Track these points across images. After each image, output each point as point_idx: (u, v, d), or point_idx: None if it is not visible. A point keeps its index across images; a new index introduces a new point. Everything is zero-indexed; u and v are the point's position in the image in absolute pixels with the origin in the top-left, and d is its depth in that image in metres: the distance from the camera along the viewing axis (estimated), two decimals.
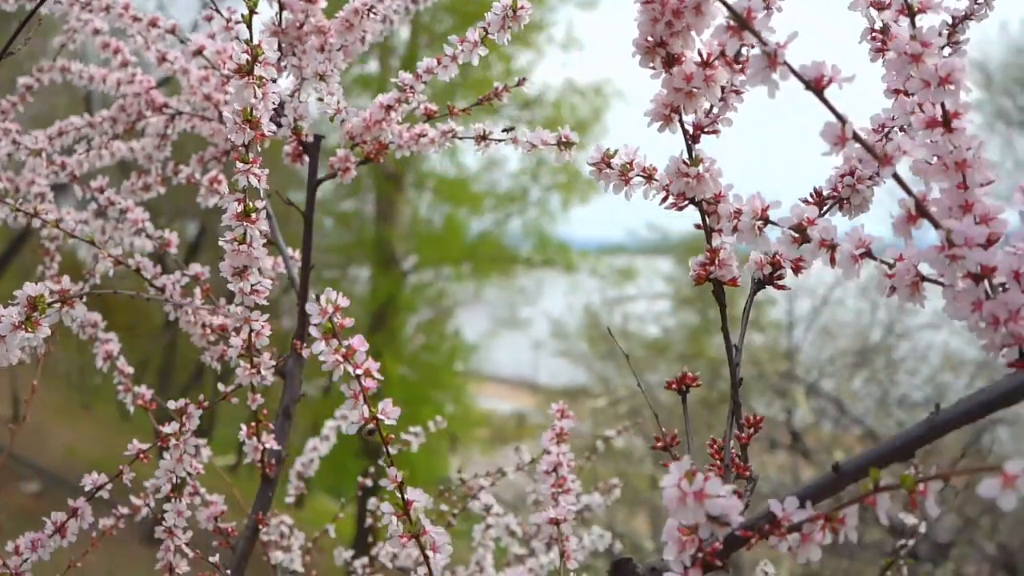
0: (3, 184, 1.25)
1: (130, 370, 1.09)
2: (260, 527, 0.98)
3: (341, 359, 0.60)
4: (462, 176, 11.47)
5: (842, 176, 0.67)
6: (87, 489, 0.89)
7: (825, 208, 0.68)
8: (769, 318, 9.15)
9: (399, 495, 0.63)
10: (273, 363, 0.90)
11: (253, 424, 0.95)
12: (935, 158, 0.54)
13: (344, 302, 0.61)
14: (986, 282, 0.51)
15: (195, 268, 1.05)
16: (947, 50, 0.71)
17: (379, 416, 0.62)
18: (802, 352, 7.42)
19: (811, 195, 0.68)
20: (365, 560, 1.33)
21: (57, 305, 0.66)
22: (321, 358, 0.61)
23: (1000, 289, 0.51)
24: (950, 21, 0.71)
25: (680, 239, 11.41)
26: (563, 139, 0.85)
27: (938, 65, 0.52)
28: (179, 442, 0.89)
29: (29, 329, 0.67)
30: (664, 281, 10.84)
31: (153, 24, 1.08)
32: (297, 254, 1.10)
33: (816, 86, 0.50)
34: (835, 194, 0.67)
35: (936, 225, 0.50)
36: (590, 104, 10.51)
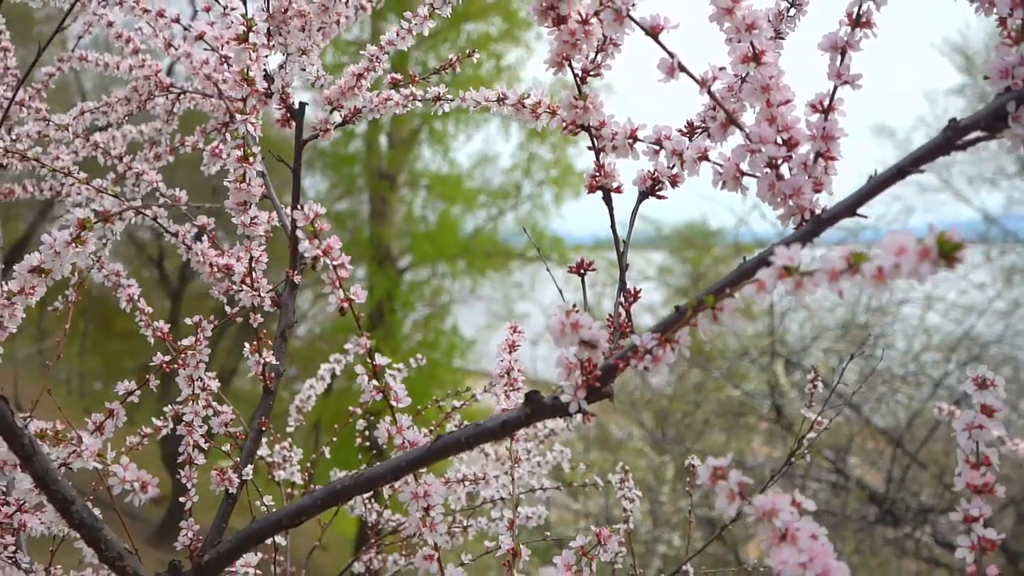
0: (32, 163, 1.44)
1: (149, 309, 1.28)
2: (263, 429, 1.17)
3: (322, 253, 0.80)
4: (455, 173, 11.65)
5: (707, 111, 0.87)
6: (120, 394, 1.09)
7: (696, 135, 0.87)
8: (762, 307, 9.37)
9: (369, 360, 0.83)
10: (271, 287, 1.09)
11: (255, 342, 1.14)
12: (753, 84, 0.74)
13: (322, 210, 0.80)
14: (783, 169, 0.71)
15: (202, 219, 1.24)
16: (792, 10, 0.91)
17: (352, 297, 0.81)
18: (789, 333, 7.62)
19: (685, 125, 0.87)
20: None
21: (101, 223, 0.85)
22: (306, 254, 0.80)
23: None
24: None
25: (673, 231, 11.62)
26: (500, 96, 1.04)
27: (744, 15, 0.71)
28: (195, 351, 1.08)
29: (78, 245, 0.86)
30: (656, 269, 11.02)
31: (160, 15, 1.28)
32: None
33: (653, 32, 0.70)
34: (703, 124, 0.87)
35: (741, 129, 0.70)
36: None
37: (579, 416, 0.75)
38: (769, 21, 0.88)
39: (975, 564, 0.66)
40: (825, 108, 0.71)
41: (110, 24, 1.40)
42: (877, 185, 0.65)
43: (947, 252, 0.46)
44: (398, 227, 11.35)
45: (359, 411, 1.57)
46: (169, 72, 1.44)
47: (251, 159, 0.95)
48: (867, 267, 0.51)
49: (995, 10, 0.67)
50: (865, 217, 0.66)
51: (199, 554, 0.90)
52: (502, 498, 1.34)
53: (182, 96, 1.38)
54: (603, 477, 1.62)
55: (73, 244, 0.86)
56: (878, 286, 0.51)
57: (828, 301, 7.99)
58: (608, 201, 0.83)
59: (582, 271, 0.84)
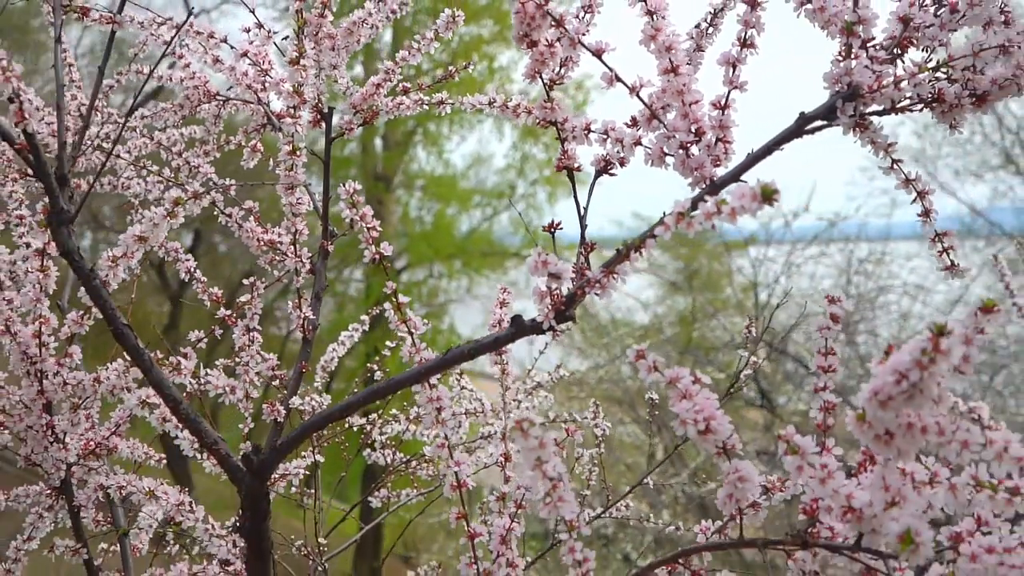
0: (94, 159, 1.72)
1: (204, 279, 1.56)
2: (303, 372, 1.45)
3: (359, 219, 1.08)
4: (450, 174, 11.93)
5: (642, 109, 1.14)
6: (192, 340, 1.36)
7: (636, 127, 1.15)
8: (754, 302, 9.68)
9: (395, 299, 1.11)
10: (310, 254, 1.37)
11: (296, 300, 1.42)
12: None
13: (359, 186, 1.08)
14: (693, 150, 0.99)
15: (248, 203, 1.52)
16: (711, 29, 1.19)
17: (381, 251, 1.09)
18: (776, 320, 7.93)
19: (629, 119, 1.15)
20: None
21: (192, 200, 1.13)
22: (345, 219, 1.08)
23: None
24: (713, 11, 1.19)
25: None
26: (491, 100, 1.32)
27: (664, 39, 0.99)
28: (251, 306, 1.36)
29: (172, 217, 1.14)
30: (649, 265, 11.30)
31: (211, 36, 1.55)
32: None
33: (597, 53, 0.98)
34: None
35: (661, 122, 0.98)
36: (572, 99, 11.00)
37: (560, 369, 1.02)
38: (692, 38, 1.16)
39: (822, 421, 0.94)
40: (722, 106, 0.99)
41: (167, 43, 1.68)
42: (751, 160, 0.93)
43: (767, 195, 0.75)
44: (394, 228, 11.61)
45: (376, 368, 1.85)
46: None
47: (298, 152, 1.23)
48: (724, 207, 0.79)
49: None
50: (746, 183, 0.94)
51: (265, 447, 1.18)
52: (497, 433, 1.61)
53: (227, 102, 1.65)
54: (600, 474, 1.89)
55: (168, 217, 1.14)
56: (732, 221, 0.79)
57: (814, 291, 8.29)
58: (571, 177, 1.11)
59: (552, 230, 1.12)
